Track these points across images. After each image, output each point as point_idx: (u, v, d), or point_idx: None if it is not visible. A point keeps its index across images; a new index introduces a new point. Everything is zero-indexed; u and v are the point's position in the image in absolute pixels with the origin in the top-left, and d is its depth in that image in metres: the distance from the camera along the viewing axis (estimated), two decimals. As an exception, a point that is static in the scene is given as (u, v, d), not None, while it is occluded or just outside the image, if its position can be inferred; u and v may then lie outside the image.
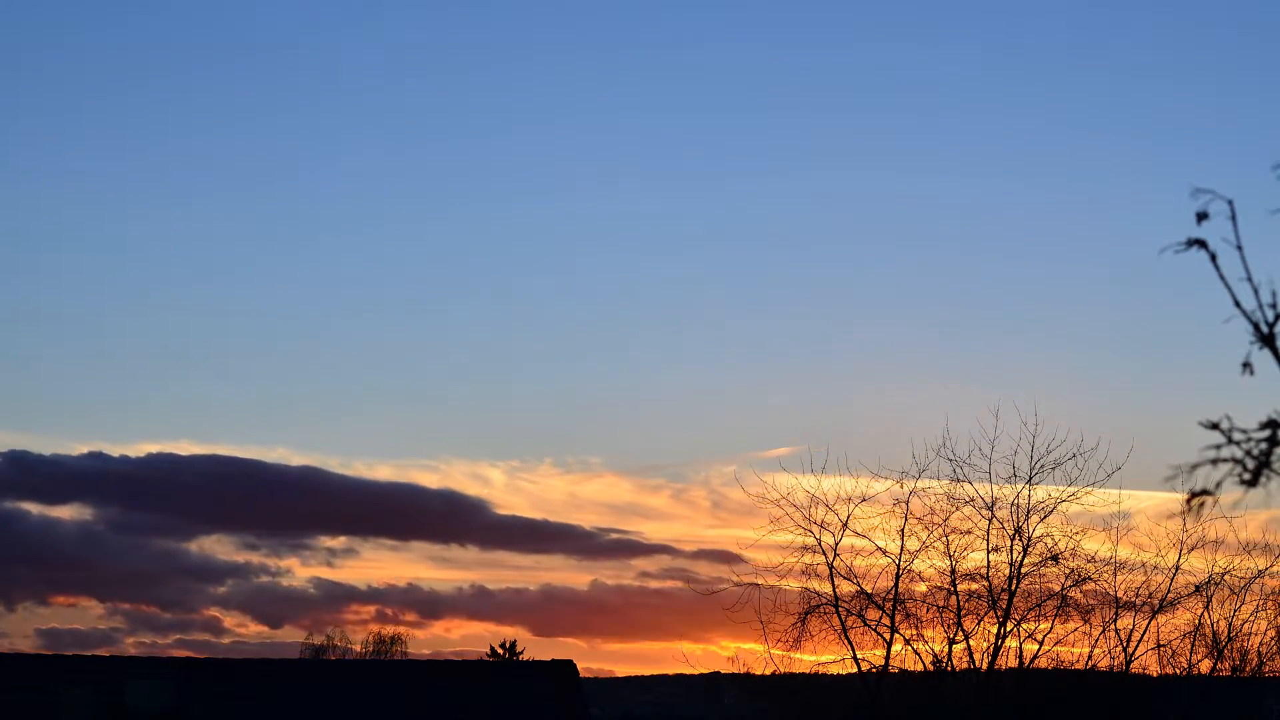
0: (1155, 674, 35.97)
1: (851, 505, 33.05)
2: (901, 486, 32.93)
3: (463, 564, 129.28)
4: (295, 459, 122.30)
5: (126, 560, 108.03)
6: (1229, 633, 35.12)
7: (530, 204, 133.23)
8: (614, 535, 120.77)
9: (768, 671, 34.39)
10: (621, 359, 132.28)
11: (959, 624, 33.37)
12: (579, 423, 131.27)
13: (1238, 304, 5.82)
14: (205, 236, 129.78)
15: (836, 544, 33.27)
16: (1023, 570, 32.98)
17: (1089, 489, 32.38)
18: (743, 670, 36.03)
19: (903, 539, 33.13)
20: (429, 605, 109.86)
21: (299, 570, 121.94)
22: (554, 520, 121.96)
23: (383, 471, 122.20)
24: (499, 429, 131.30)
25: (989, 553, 33.11)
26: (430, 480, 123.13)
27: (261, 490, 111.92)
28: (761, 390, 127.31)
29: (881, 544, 33.33)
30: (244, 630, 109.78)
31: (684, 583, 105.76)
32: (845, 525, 33.11)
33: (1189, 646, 35.02)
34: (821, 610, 33.22)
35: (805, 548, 33.17)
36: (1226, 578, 34.14)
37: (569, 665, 39.25)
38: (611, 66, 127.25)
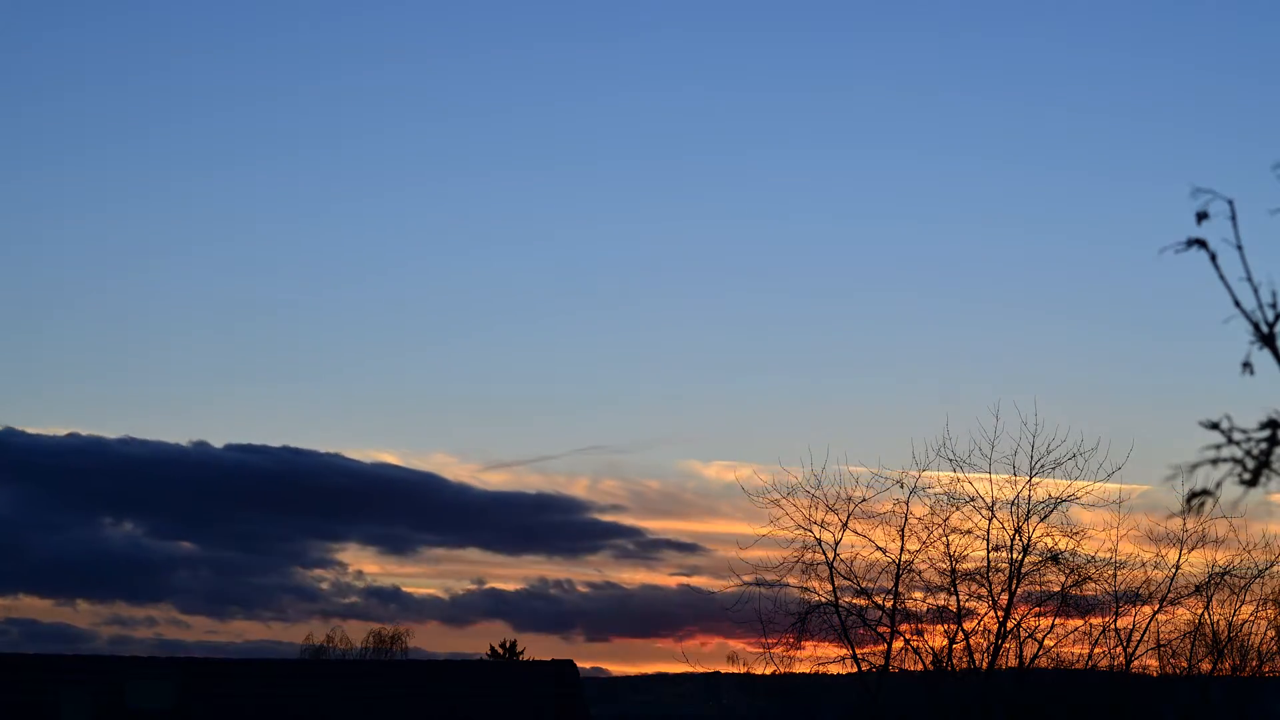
0: (1155, 674, 35.98)
1: (852, 505, 33.05)
2: (902, 486, 32.94)
3: (419, 553, 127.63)
4: (186, 441, 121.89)
5: (51, 548, 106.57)
6: (1229, 633, 35.13)
7: (414, 197, 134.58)
8: (562, 521, 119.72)
9: (768, 671, 34.38)
10: (501, 354, 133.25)
11: (959, 624, 33.37)
12: (464, 413, 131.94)
13: (1238, 304, 5.82)
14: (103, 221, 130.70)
15: (836, 544, 33.27)
16: (1023, 570, 32.97)
17: (1089, 484, 32.38)
18: (743, 670, 36.05)
19: (903, 539, 33.14)
20: (393, 598, 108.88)
21: (238, 558, 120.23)
22: (494, 505, 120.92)
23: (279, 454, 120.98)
24: (386, 416, 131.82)
25: (989, 553, 33.12)
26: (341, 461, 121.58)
27: (161, 472, 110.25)
28: (655, 387, 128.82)
29: (881, 544, 33.34)
30: (203, 625, 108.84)
31: (680, 579, 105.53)
32: (845, 525, 33.12)
33: (1189, 646, 35.03)
34: (821, 610, 33.21)
35: (805, 547, 33.17)
36: (1226, 578, 34.15)
37: (569, 665, 39.27)
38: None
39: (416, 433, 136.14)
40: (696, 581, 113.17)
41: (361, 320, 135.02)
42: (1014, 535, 32.92)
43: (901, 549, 33.11)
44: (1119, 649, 34.15)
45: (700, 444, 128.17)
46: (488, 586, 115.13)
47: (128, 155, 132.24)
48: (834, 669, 34.19)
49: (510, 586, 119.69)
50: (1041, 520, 32.90)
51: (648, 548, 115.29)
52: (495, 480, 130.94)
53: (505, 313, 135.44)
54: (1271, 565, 34.22)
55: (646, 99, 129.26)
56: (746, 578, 33.18)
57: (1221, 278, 5.80)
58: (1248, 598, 34.86)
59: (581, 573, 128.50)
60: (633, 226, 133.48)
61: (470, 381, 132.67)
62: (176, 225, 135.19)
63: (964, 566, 33.33)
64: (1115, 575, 33.51)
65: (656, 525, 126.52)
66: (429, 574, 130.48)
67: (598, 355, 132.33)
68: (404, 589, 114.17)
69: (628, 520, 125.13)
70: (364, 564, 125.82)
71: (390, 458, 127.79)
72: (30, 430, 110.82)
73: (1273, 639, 35.82)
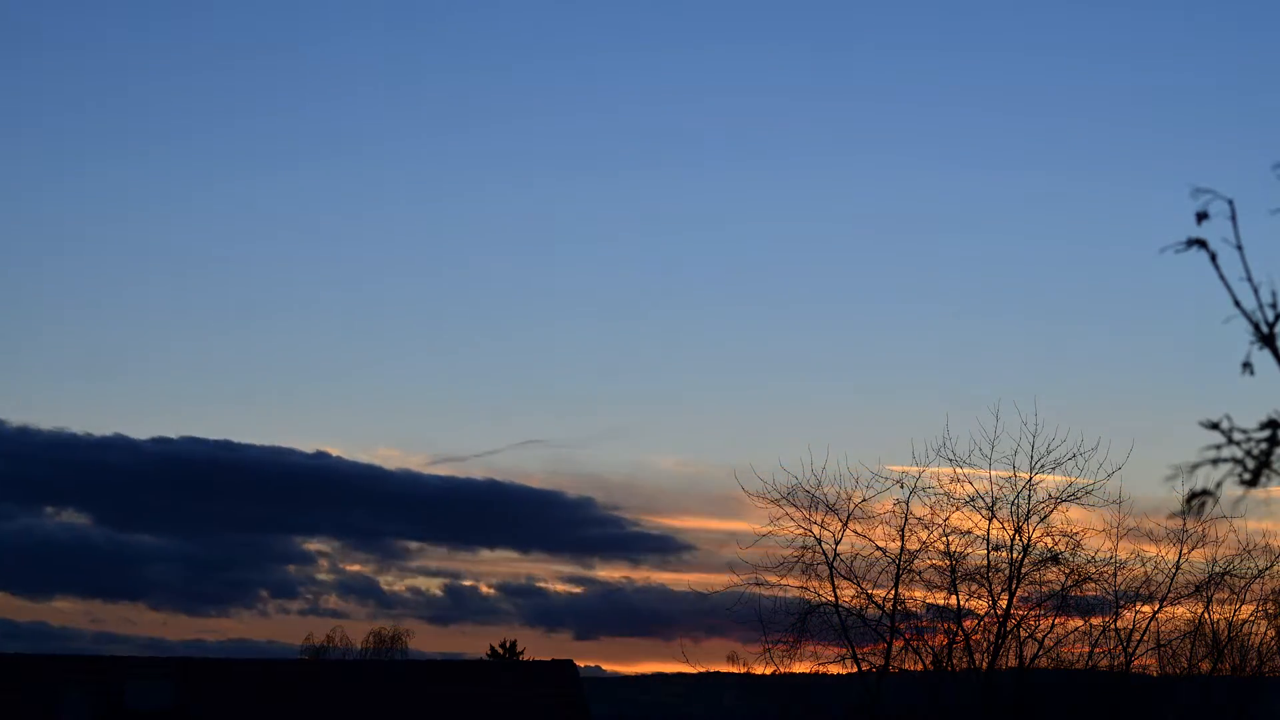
0: (1155, 674, 35.97)
1: (851, 505, 33.04)
2: (902, 486, 32.92)
3: (390, 546, 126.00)
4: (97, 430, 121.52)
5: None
6: (1229, 633, 35.11)
7: (354, 191, 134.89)
8: (533, 515, 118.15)
9: (768, 671, 34.36)
10: (431, 349, 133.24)
11: (959, 624, 33.37)
12: (403, 412, 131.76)
13: (1238, 304, 5.81)
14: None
15: (836, 544, 33.27)
16: (1023, 570, 32.96)
17: (1089, 484, 32.36)
18: (743, 670, 36.01)
19: (903, 539, 33.13)
20: (370, 593, 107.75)
21: (206, 553, 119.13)
22: (456, 498, 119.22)
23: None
24: (326, 411, 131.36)
25: (989, 553, 33.11)
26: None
27: (75, 458, 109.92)
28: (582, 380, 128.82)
29: (881, 544, 33.33)
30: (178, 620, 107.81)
31: (663, 575, 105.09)
32: (845, 525, 33.12)
33: (1189, 646, 35.01)
34: (821, 609, 33.21)
35: (805, 547, 33.16)
36: (1226, 578, 34.12)
37: (569, 665, 39.25)
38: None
39: (356, 426, 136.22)
40: (683, 577, 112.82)
41: (273, 310, 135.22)
42: (1014, 535, 32.93)
43: (901, 549, 33.13)
44: (1119, 649, 34.14)
45: (644, 438, 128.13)
46: (466, 583, 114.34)
47: (46, 153, 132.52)
48: (834, 669, 34.21)
49: (487, 582, 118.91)
50: (1041, 520, 32.91)
51: (625, 542, 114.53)
52: (445, 473, 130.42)
53: (428, 307, 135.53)
54: (1271, 565, 34.21)
55: (613, 93, 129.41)
56: (746, 577, 33.20)
57: (1221, 278, 5.80)
58: (1248, 597, 34.87)
59: (563, 568, 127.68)
60: (577, 224, 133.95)
61: (398, 376, 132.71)
62: (81, 213, 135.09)
63: (964, 566, 33.34)
64: (1115, 575, 33.52)
65: (628, 518, 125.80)
66: (406, 568, 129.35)
67: (530, 351, 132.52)
68: (382, 584, 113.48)
69: (600, 514, 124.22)
70: (336, 558, 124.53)
71: (333, 450, 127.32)
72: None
73: (1273, 639, 35.82)
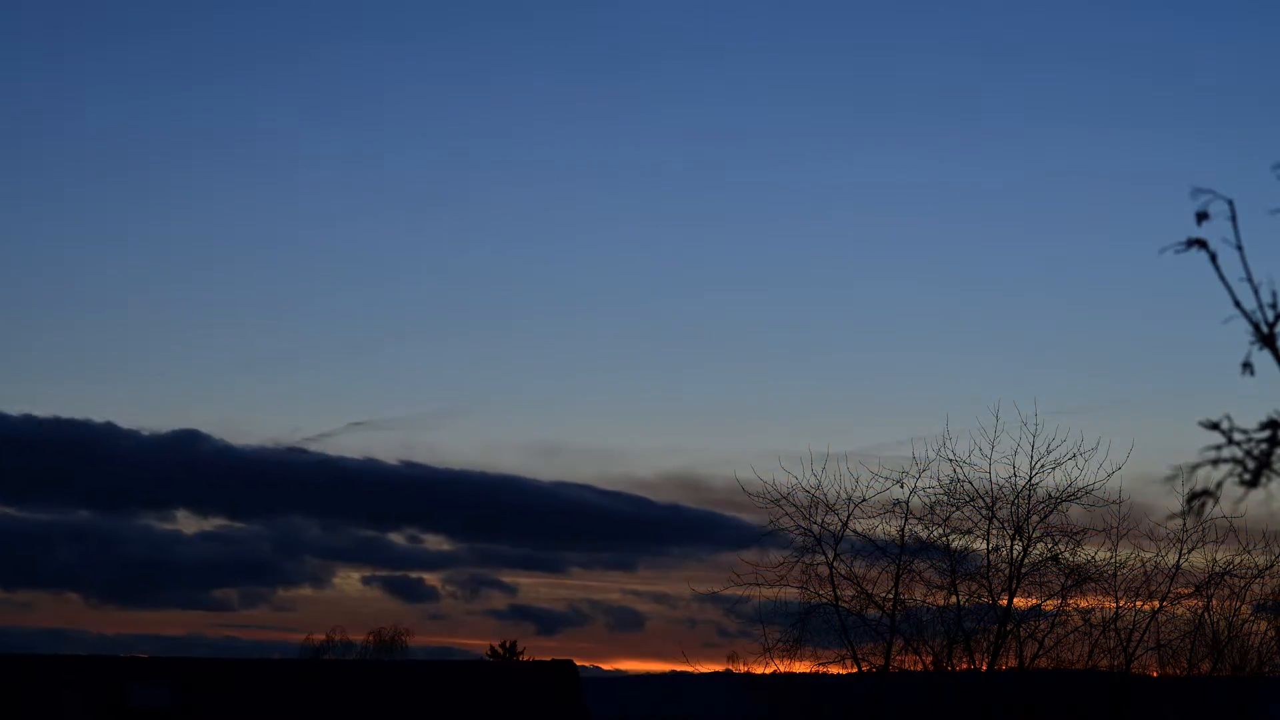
0: (1155, 674, 35.96)
1: (852, 505, 33.02)
2: (902, 487, 32.89)
3: (275, 523, 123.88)
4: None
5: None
6: (1229, 633, 35.09)
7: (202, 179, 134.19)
8: (428, 498, 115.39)
9: (768, 671, 34.36)
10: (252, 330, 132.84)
11: (959, 624, 33.37)
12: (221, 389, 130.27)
13: (1238, 304, 5.81)
14: None
15: (837, 544, 33.26)
16: (1023, 570, 32.96)
17: (1089, 484, 32.33)
18: (743, 670, 36.00)
19: (903, 539, 33.11)
20: (276, 577, 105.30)
21: (86, 530, 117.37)
22: (331, 478, 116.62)
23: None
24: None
25: (989, 553, 33.10)
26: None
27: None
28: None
29: (881, 544, 33.31)
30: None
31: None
32: (845, 525, 33.11)
33: (1189, 646, 34.99)
34: (821, 610, 33.21)
35: (805, 548, 33.15)
36: (1226, 578, 34.09)
37: (569, 665, 39.28)
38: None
39: (165, 404, 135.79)
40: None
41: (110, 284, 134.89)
42: (1014, 535, 32.91)
43: (901, 549, 33.10)
44: (1119, 649, 34.12)
45: (477, 416, 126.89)
46: (375, 570, 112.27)
47: None
48: (834, 669, 34.20)
49: (410, 567, 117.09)
50: (1041, 520, 32.89)
51: (550, 530, 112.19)
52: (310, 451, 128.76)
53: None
54: (1272, 565, 34.17)
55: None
56: (745, 577, 33.20)
57: (1221, 278, 5.79)
58: (1248, 597, 34.84)
59: (517, 557, 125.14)
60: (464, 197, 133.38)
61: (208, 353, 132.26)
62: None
63: (964, 566, 33.33)
64: (1115, 575, 33.50)
65: (544, 485, 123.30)
66: (298, 551, 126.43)
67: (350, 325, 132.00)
68: (281, 566, 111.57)
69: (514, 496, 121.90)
70: (218, 541, 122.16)
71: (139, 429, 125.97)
72: None
73: (1273, 639, 35.78)
